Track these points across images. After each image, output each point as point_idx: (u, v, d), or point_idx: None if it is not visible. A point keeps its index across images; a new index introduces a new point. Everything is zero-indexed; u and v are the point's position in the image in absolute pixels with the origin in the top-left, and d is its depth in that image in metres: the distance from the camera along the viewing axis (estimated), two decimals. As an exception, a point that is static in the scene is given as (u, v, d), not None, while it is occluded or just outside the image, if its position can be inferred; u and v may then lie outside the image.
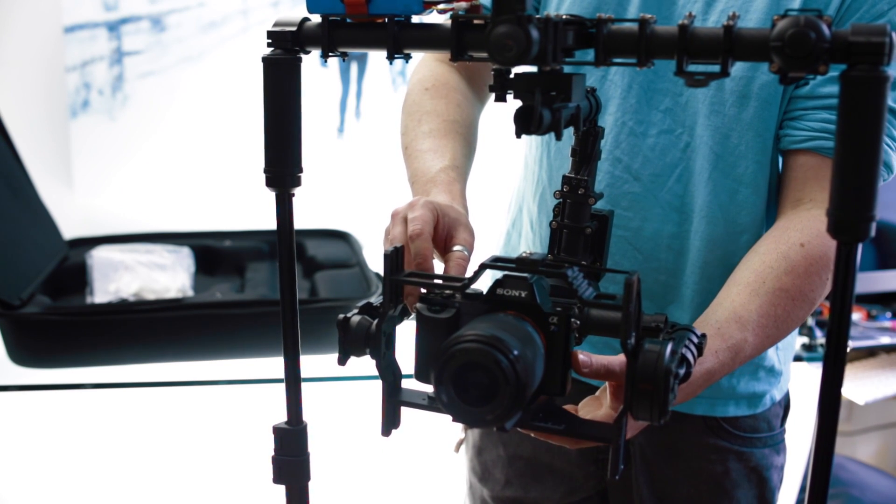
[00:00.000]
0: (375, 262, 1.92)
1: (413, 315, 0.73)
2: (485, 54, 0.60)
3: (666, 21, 0.98)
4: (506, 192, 1.29)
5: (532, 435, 0.74)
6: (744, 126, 1.00)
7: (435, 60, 1.17)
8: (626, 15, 1.02)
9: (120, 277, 1.84)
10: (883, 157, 0.94)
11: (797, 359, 1.93)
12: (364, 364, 0.75)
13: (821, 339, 2.00)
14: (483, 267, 0.71)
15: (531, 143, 1.17)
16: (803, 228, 0.94)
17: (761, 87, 0.98)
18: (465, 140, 1.06)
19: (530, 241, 1.17)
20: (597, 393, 0.82)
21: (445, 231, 0.85)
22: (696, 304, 1.05)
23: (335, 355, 0.73)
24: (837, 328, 0.58)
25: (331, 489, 1.41)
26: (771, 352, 1.11)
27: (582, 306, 0.68)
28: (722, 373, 0.86)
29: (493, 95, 0.66)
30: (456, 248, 0.84)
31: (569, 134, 1.09)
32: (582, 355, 0.73)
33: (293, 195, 0.72)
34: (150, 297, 1.81)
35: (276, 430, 0.76)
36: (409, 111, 1.10)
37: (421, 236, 0.81)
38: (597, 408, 0.79)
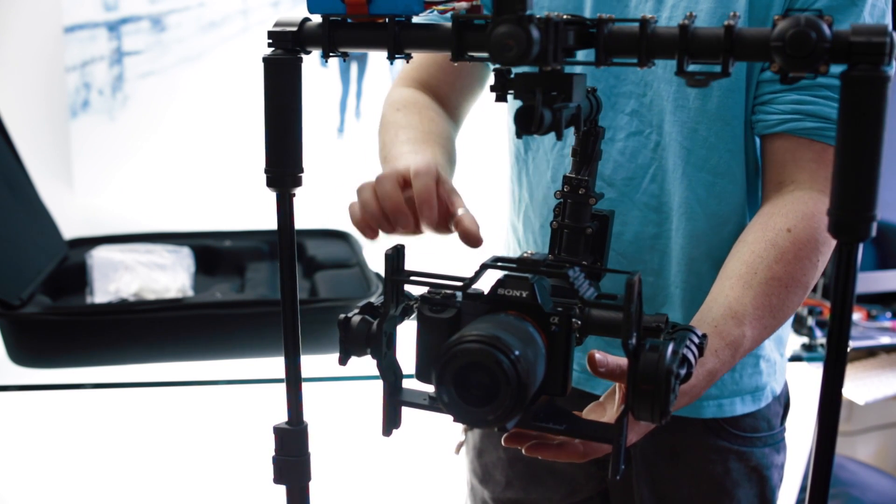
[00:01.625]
0: (375, 262, 1.92)
1: (414, 315, 0.73)
2: (485, 54, 0.60)
3: None
4: (498, 216, 1.28)
5: (540, 457, 0.74)
6: (710, 117, 1.00)
7: (403, 86, 1.16)
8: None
9: (120, 277, 1.83)
10: None
11: (797, 359, 1.93)
12: (365, 364, 0.75)
13: (821, 339, 1.99)
14: (484, 267, 0.71)
15: (508, 164, 1.18)
16: (788, 213, 0.94)
17: None
18: (445, 149, 1.05)
19: None
20: (601, 399, 0.82)
21: (446, 195, 0.85)
22: (688, 303, 1.05)
23: (335, 355, 0.73)
24: (838, 328, 0.58)
25: (331, 489, 1.41)
26: (766, 341, 1.11)
27: (583, 306, 0.68)
28: (723, 371, 0.86)
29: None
30: (460, 210, 0.84)
31: (545, 149, 1.09)
32: (598, 354, 0.73)
33: (294, 195, 0.72)
34: (150, 297, 1.81)
35: (277, 430, 0.76)
36: (385, 130, 1.09)
37: (428, 173, 0.84)
38: (601, 414, 0.79)
